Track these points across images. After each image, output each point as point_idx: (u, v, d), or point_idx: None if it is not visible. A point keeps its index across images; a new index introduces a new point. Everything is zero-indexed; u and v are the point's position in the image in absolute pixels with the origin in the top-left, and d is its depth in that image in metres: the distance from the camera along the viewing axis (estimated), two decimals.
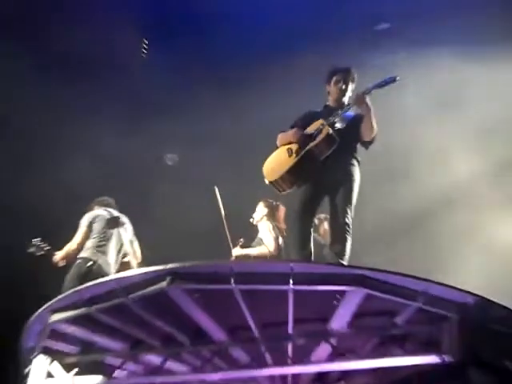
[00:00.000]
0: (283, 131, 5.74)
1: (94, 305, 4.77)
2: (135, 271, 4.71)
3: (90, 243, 7.22)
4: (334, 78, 5.72)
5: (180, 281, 4.40)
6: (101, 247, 7.19)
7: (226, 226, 6.97)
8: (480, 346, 4.60)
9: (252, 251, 6.83)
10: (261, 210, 6.95)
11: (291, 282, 4.27)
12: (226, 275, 4.32)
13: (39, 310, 5.08)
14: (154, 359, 5.30)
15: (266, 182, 5.72)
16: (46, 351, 5.29)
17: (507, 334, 4.75)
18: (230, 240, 6.97)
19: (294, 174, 5.47)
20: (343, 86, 5.66)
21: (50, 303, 4.99)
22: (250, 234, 7.11)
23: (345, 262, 5.11)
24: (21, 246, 7.26)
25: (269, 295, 4.44)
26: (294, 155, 5.46)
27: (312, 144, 5.40)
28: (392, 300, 4.43)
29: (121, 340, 5.24)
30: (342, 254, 5.16)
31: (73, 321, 5.02)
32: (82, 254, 7.12)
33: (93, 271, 6.92)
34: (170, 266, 4.43)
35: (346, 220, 5.23)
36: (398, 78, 5.30)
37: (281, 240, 6.83)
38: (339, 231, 5.24)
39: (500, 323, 4.71)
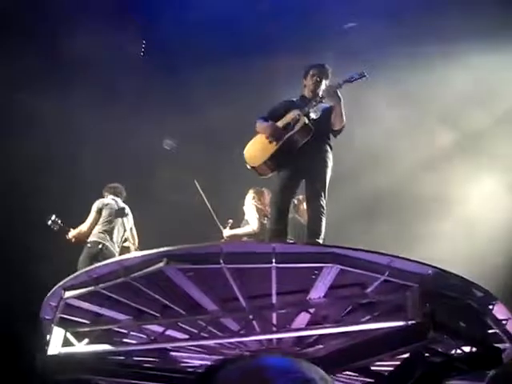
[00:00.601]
0: (262, 117, 6.26)
1: (100, 283, 5.35)
2: (135, 254, 5.28)
3: (98, 228, 8.11)
4: (311, 72, 6.25)
5: (175, 262, 4.97)
6: (107, 232, 8.09)
7: (214, 215, 7.59)
8: (438, 311, 5.17)
9: (239, 231, 7.49)
10: (249, 196, 7.57)
11: (274, 260, 4.84)
12: (215, 256, 4.88)
13: (54, 288, 5.68)
14: (155, 328, 5.89)
15: (248, 167, 6.26)
16: (62, 323, 5.92)
17: (460, 299, 5.32)
18: (219, 224, 7.59)
19: (275, 161, 6.01)
20: (318, 79, 6.19)
21: (62, 282, 5.60)
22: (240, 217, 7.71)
23: (320, 241, 5.69)
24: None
25: (254, 272, 5.02)
26: (275, 143, 6.00)
27: (291, 133, 5.95)
28: (362, 273, 5.01)
29: (125, 312, 5.82)
30: (317, 233, 5.72)
31: (83, 297, 5.61)
32: (92, 238, 8.02)
33: (103, 252, 7.88)
34: (165, 248, 5.00)
35: (321, 202, 5.79)
36: (366, 74, 5.85)
37: (265, 220, 7.41)
38: (315, 213, 5.79)
39: (454, 290, 5.28)
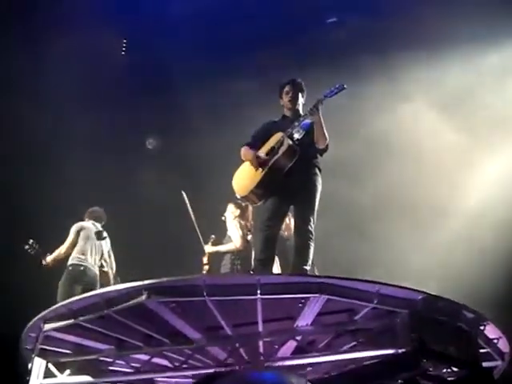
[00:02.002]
0: (247, 144, 5.92)
1: (81, 316, 5.07)
2: (116, 287, 4.98)
3: (76, 250, 7.81)
4: (285, 89, 5.94)
5: (156, 295, 4.70)
6: (85, 254, 7.76)
7: (197, 228, 7.28)
8: (429, 337, 4.96)
9: (221, 248, 7.14)
10: (230, 209, 7.22)
11: (259, 292, 4.59)
12: (198, 288, 4.62)
13: (33, 320, 5.40)
14: (139, 357, 5.63)
15: (238, 196, 5.97)
16: (43, 353, 5.65)
17: (451, 322, 5.10)
18: (201, 239, 7.29)
19: (263, 188, 5.64)
20: (293, 95, 5.88)
21: (42, 314, 5.31)
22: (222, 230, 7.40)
23: (308, 268, 5.39)
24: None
25: (240, 302, 4.76)
26: (260, 170, 5.65)
27: (275, 157, 5.61)
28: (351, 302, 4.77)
29: (107, 342, 5.55)
30: (305, 260, 5.41)
31: (63, 329, 5.32)
32: (72, 261, 7.70)
33: (85, 273, 7.63)
34: (146, 282, 4.73)
35: (309, 228, 5.47)
36: (345, 86, 5.54)
37: (249, 237, 7.11)
38: (303, 239, 5.48)
39: (445, 314, 5.06)
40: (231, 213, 7.21)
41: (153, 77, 10.65)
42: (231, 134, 9.24)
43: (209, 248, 7.24)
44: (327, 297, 4.66)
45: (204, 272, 7.14)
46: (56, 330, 5.34)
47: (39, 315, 5.33)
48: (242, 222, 7.16)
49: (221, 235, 7.33)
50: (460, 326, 5.17)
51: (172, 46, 10.41)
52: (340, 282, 4.74)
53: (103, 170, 9.91)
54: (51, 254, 7.82)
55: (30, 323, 5.43)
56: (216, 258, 7.22)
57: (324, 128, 5.61)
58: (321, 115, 5.57)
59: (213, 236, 7.37)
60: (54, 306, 5.25)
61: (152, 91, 10.59)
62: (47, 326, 5.31)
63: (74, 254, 7.77)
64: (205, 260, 7.20)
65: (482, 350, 5.50)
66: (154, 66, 10.68)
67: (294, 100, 5.87)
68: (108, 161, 10.09)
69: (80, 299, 5.09)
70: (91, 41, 9.99)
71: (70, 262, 7.71)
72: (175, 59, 10.36)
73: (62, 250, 7.83)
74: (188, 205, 7.36)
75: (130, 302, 4.79)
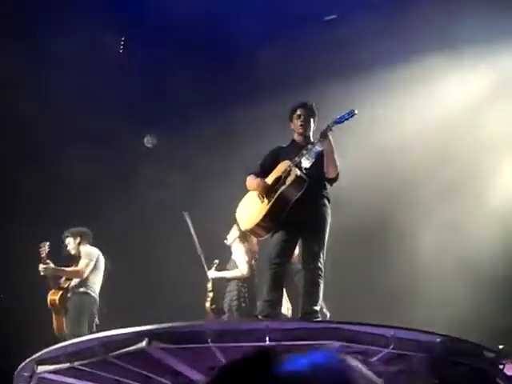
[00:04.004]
0: (252, 173, 5.39)
1: (77, 360, 4.69)
2: (116, 331, 4.58)
3: (96, 279, 7.06)
4: (295, 114, 5.41)
5: (158, 341, 4.33)
6: (96, 284, 7.06)
7: (199, 250, 6.87)
8: (448, 380, 4.63)
9: (226, 274, 6.69)
10: (234, 232, 6.73)
11: (267, 338, 4.21)
12: (202, 335, 4.25)
13: (26, 361, 5.01)
14: None
15: (242, 229, 5.54)
16: None
17: (469, 364, 4.76)
18: (204, 264, 6.86)
19: (269, 220, 5.14)
20: (304, 120, 5.37)
21: (36, 355, 4.93)
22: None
23: (318, 308, 4.96)
24: None
25: (246, 347, 4.38)
26: (266, 201, 5.16)
27: (282, 188, 5.12)
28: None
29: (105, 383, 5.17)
30: (315, 301, 4.98)
31: (57, 371, 4.94)
32: (86, 290, 6.97)
33: (95, 305, 6.97)
34: (147, 327, 4.37)
35: (319, 264, 5.02)
36: (356, 112, 5.10)
37: (253, 262, 6.70)
38: (312, 276, 5.01)
39: (464, 356, 4.72)
40: (236, 236, 6.74)
41: (152, 75, 10.21)
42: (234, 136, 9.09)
43: (213, 273, 6.80)
44: (340, 343, 4.27)
45: (208, 299, 6.73)
46: (49, 372, 4.93)
47: (32, 357, 4.94)
48: (248, 246, 6.69)
49: (223, 258, 6.91)
50: (480, 367, 4.82)
51: (171, 44, 9.98)
52: (354, 327, 4.36)
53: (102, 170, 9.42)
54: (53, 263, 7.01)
55: (22, 364, 5.03)
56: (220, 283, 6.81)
57: (335, 156, 5.17)
58: (332, 142, 5.12)
59: (216, 261, 6.89)
60: (48, 349, 4.86)
61: (152, 89, 10.15)
62: (41, 368, 4.92)
63: (89, 282, 6.98)
64: (209, 286, 6.76)
65: None
66: (153, 64, 10.23)
67: (306, 124, 5.35)
68: (106, 159, 9.62)
69: (76, 343, 4.70)
70: (89, 38, 9.52)
71: (83, 289, 6.92)
72: (174, 57, 9.91)
73: (83, 271, 6.93)
74: (190, 226, 6.92)
75: (130, 348, 4.41)
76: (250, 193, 5.35)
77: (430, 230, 8.53)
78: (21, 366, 5.10)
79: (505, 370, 5.17)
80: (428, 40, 8.56)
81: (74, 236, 7.25)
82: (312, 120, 5.39)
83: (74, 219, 7.72)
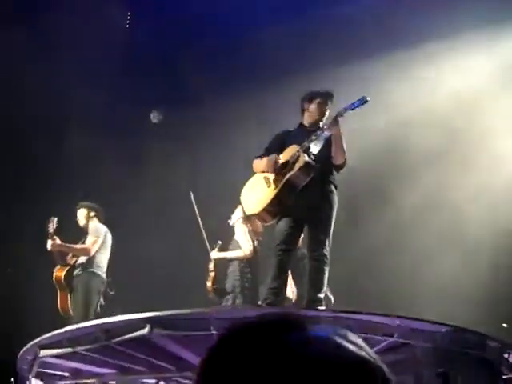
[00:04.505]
0: (258, 156, 5.26)
1: (79, 345, 4.65)
2: (117, 318, 4.52)
3: (103, 257, 6.91)
4: (318, 100, 5.20)
5: (160, 328, 4.27)
6: (103, 264, 6.93)
7: (203, 232, 6.80)
8: (455, 371, 4.58)
9: (228, 254, 6.61)
10: (238, 212, 6.63)
11: None
12: (205, 322, 4.19)
13: (28, 345, 4.97)
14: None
15: (248, 213, 5.44)
16: (39, 375, 5.24)
17: (479, 357, 4.70)
18: (207, 244, 6.79)
19: (276, 206, 5.02)
20: (325, 109, 5.20)
21: (38, 339, 4.88)
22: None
23: (322, 295, 4.89)
24: None
25: None
26: (274, 186, 5.02)
27: (290, 174, 4.99)
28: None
29: (108, 367, 5.14)
30: (319, 288, 4.89)
31: (60, 356, 4.91)
32: (95, 270, 6.82)
33: (102, 285, 6.85)
34: (149, 314, 4.30)
35: (324, 251, 4.91)
36: (368, 99, 4.96)
37: (256, 243, 6.62)
38: (317, 263, 4.89)
39: (469, 346, 4.66)
40: (240, 217, 6.64)
41: (157, 50, 10.11)
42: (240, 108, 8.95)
43: (215, 254, 6.74)
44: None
45: (210, 278, 6.67)
46: (51, 356, 4.90)
47: (34, 341, 4.89)
48: (251, 227, 6.60)
49: (227, 239, 6.83)
50: (485, 357, 4.76)
51: (177, 19, 9.86)
52: (357, 316, 4.29)
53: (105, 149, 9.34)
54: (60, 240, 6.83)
55: (25, 348, 5.00)
56: (222, 264, 6.74)
57: (343, 143, 5.07)
58: (340, 129, 5.00)
59: (219, 242, 6.80)
60: (50, 334, 4.80)
61: (157, 65, 10.05)
62: (43, 352, 4.88)
63: (96, 260, 6.83)
64: (211, 267, 6.70)
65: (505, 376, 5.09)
66: (159, 40, 10.12)
67: (324, 113, 5.21)
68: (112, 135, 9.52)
69: (78, 328, 4.64)
70: (95, 15, 9.40)
71: (91, 268, 6.77)
72: (180, 33, 9.79)
73: (90, 248, 6.76)
74: (195, 207, 6.85)
75: (132, 335, 4.35)
76: (255, 176, 5.23)
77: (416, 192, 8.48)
78: (23, 350, 5.06)
79: (510, 359, 5.13)
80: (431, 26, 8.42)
81: (86, 208, 7.13)
82: (328, 110, 5.28)
83: (79, 195, 7.68)
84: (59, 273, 6.85)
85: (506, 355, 4.99)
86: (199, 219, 6.84)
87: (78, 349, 4.65)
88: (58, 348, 4.80)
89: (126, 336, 4.38)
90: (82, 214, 7.14)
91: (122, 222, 8.06)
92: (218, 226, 7.12)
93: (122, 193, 8.88)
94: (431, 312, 6.18)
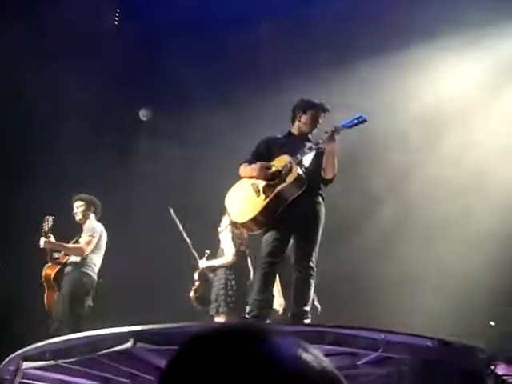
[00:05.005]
0: (245, 162, 5.17)
1: (62, 357, 4.59)
2: (101, 331, 4.45)
3: (97, 258, 6.73)
4: (313, 111, 5.16)
5: (144, 343, 4.21)
6: (96, 265, 6.76)
7: (189, 244, 6.72)
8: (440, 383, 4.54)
9: (214, 262, 6.52)
10: (226, 220, 6.53)
11: None
12: (189, 336, 4.12)
13: (11, 356, 4.91)
14: None
15: (234, 221, 5.38)
16: None
17: (466, 369, 4.66)
18: (196, 256, 6.71)
19: (264, 217, 4.94)
20: (317, 122, 5.16)
21: (21, 351, 4.83)
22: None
23: (307, 308, 4.83)
24: None
25: None
26: (263, 196, 4.93)
27: (282, 185, 4.89)
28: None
29: (91, 379, 5.07)
30: (304, 302, 4.82)
31: (42, 368, 4.84)
32: (86, 270, 6.62)
33: (92, 288, 6.67)
34: (133, 328, 4.24)
35: (311, 263, 4.86)
36: (366, 119, 4.92)
37: (243, 247, 6.48)
38: (303, 276, 4.86)
39: (455, 359, 4.62)
40: (227, 224, 6.49)
41: (146, 46, 10.04)
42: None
43: (203, 263, 6.64)
44: (329, 347, 4.17)
45: (194, 288, 6.60)
46: (34, 368, 4.83)
47: (17, 352, 4.83)
48: (236, 232, 6.42)
49: (215, 247, 6.75)
50: (470, 369, 4.71)
51: (166, 15, 9.79)
52: (343, 330, 4.25)
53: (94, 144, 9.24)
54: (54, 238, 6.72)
55: (7, 359, 4.93)
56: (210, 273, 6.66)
57: (336, 159, 5.00)
58: (336, 145, 4.94)
59: (207, 251, 6.70)
60: (32, 346, 4.74)
61: (145, 61, 9.97)
62: (26, 364, 4.81)
63: (90, 260, 6.66)
64: (195, 276, 6.63)
65: None
66: (147, 35, 10.05)
67: (315, 126, 5.18)
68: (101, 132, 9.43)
69: (61, 341, 4.58)
70: (83, 12, 9.32)
71: (83, 268, 6.58)
72: (169, 28, 9.72)
73: (84, 249, 6.58)
74: (177, 221, 6.75)
75: (116, 349, 4.29)
76: (242, 182, 5.14)
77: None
78: (6, 361, 5.00)
79: (496, 370, 5.10)
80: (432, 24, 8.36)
81: (84, 202, 6.91)
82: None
83: (70, 191, 7.42)
84: (49, 271, 6.72)
85: (492, 367, 4.97)
86: (183, 233, 6.75)
87: (60, 361, 4.58)
88: (41, 360, 4.73)
89: (110, 350, 4.32)
90: (79, 208, 6.91)
91: (110, 217, 7.84)
92: (206, 233, 7.03)
93: (111, 188, 8.74)
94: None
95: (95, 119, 9.57)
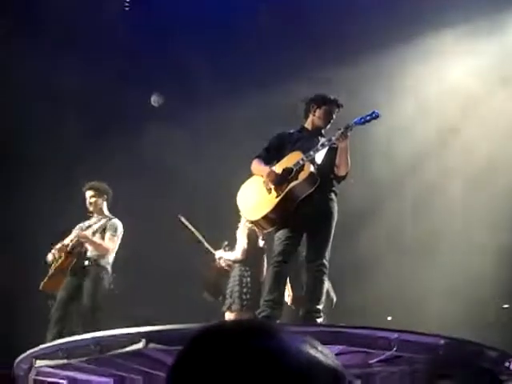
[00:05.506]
0: (258, 156, 5.06)
1: (74, 357, 4.58)
2: (112, 332, 4.43)
3: (113, 253, 6.47)
4: (327, 106, 5.05)
5: (155, 343, 4.19)
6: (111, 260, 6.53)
7: (205, 243, 6.62)
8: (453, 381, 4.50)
9: (229, 255, 6.36)
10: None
11: None
12: None
13: (23, 355, 4.91)
14: None
15: (246, 219, 5.27)
16: (36, 382, 5.17)
17: (479, 367, 4.61)
18: (211, 249, 6.59)
19: (277, 214, 4.83)
20: (331, 118, 5.06)
21: (33, 350, 4.82)
22: None
23: (321, 306, 4.77)
24: None
25: None
26: (275, 194, 4.82)
27: (295, 183, 4.78)
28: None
29: (105, 375, 5.07)
30: (318, 299, 4.75)
31: (55, 366, 4.84)
32: (109, 266, 6.42)
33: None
34: (144, 329, 4.22)
35: (324, 261, 4.77)
36: (379, 114, 4.83)
37: (262, 243, 6.29)
38: (316, 274, 4.76)
39: (469, 357, 4.57)
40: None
41: (157, 31, 9.93)
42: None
43: (220, 253, 6.46)
44: (343, 347, 4.13)
45: (206, 279, 6.54)
46: (47, 366, 4.84)
47: (29, 351, 4.83)
48: (253, 227, 6.03)
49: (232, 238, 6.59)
50: (485, 367, 4.65)
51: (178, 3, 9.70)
52: (356, 330, 4.21)
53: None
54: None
55: (20, 358, 4.93)
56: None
57: (348, 155, 4.91)
58: (348, 142, 4.85)
59: (226, 242, 6.51)
60: (45, 345, 4.76)
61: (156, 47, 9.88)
62: (39, 363, 4.81)
63: (109, 256, 6.42)
64: (210, 266, 6.52)
65: None
66: (159, 20, 9.95)
67: (329, 121, 5.08)
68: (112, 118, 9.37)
69: (74, 341, 4.56)
70: None
71: (102, 263, 6.31)
72: (181, 14, 9.62)
73: (111, 246, 6.32)
74: (189, 226, 6.64)
75: (127, 349, 4.28)
76: (253, 179, 5.05)
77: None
78: (19, 359, 5.00)
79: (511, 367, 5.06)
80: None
81: (96, 190, 6.62)
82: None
83: (79, 178, 7.26)
84: (66, 260, 6.29)
85: (506, 364, 4.94)
86: (199, 236, 6.65)
87: (73, 360, 4.57)
88: (54, 359, 4.73)
89: (121, 350, 4.31)
90: (91, 198, 6.61)
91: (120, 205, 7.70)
92: (218, 223, 6.95)
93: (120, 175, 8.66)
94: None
95: (104, 105, 9.55)
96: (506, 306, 7.82)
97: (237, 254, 6.17)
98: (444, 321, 7.03)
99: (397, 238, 8.30)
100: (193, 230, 6.54)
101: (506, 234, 7.80)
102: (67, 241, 6.39)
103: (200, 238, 6.54)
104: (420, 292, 7.75)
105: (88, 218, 6.68)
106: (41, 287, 6.27)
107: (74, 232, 6.46)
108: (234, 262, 6.26)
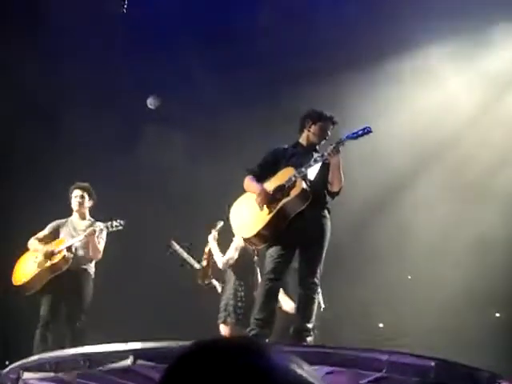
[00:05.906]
0: (251, 173, 5.08)
1: (62, 370, 4.54)
2: (100, 347, 4.38)
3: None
4: (322, 123, 5.08)
5: (143, 360, 4.14)
6: None
7: (195, 264, 6.62)
8: None
9: (214, 252, 6.41)
10: None
11: None
12: None
13: (11, 366, 4.87)
14: None
15: (238, 236, 5.24)
16: None
17: None
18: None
19: (268, 231, 4.85)
20: (325, 134, 5.08)
21: (20, 362, 4.79)
22: None
23: (310, 325, 4.74)
24: None
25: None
26: (267, 210, 4.84)
27: (286, 200, 4.79)
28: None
29: None
30: (308, 318, 4.72)
31: (43, 379, 4.80)
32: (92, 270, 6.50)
33: None
34: (132, 346, 4.17)
35: (315, 280, 4.77)
36: (371, 130, 4.81)
37: (256, 258, 6.32)
38: (307, 292, 4.76)
39: (458, 379, 4.55)
40: None
41: (155, 34, 9.92)
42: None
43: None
44: (331, 368, 4.08)
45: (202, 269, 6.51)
46: (34, 379, 4.79)
47: (17, 363, 4.78)
48: (243, 244, 6.00)
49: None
50: None
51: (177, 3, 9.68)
52: (346, 351, 4.16)
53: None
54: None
55: (7, 369, 4.90)
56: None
57: (341, 171, 4.91)
58: (340, 157, 4.84)
59: (221, 222, 6.43)
60: (32, 358, 4.72)
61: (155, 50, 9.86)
62: (26, 375, 4.76)
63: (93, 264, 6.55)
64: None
65: None
66: (156, 22, 9.94)
67: (324, 138, 5.10)
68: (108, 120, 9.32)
69: (61, 356, 4.54)
70: None
71: (89, 269, 6.40)
72: (178, 15, 9.60)
73: (101, 249, 6.46)
74: (182, 252, 6.64)
75: (115, 365, 4.23)
76: (246, 195, 5.06)
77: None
78: (6, 370, 4.97)
79: None
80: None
81: (83, 190, 6.63)
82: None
83: (75, 179, 7.14)
84: (62, 262, 6.29)
85: None
86: (189, 259, 6.63)
87: (60, 374, 4.53)
88: (41, 371, 4.68)
89: (109, 366, 4.26)
90: (77, 198, 6.62)
91: (116, 206, 7.58)
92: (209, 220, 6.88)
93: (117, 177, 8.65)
94: None
95: (101, 107, 9.49)
96: (497, 314, 7.87)
97: (219, 262, 6.21)
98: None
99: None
100: (184, 254, 6.54)
101: None
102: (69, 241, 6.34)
103: (192, 261, 6.55)
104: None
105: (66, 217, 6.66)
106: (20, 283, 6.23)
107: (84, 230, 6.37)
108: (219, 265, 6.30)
